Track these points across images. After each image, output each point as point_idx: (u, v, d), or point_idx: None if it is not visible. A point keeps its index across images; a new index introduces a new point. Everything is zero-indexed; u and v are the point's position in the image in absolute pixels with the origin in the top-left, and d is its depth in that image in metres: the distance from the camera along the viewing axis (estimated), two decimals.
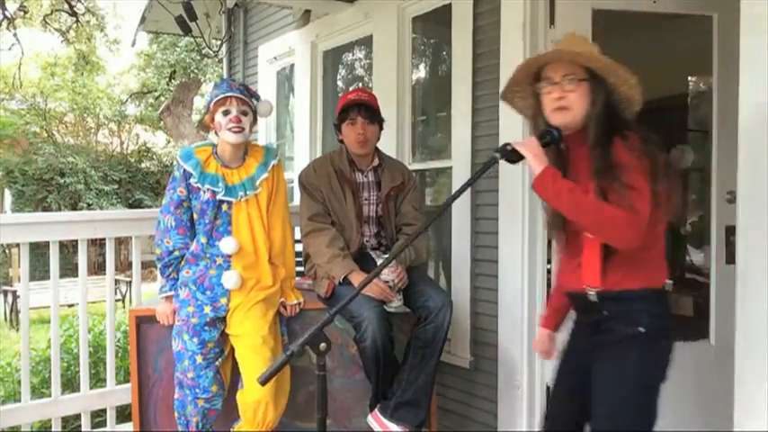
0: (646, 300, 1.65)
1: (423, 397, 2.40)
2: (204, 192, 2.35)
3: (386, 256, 2.44)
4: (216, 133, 2.40)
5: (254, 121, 2.44)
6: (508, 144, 1.70)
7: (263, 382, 1.50)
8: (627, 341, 1.63)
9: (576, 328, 1.87)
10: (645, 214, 1.54)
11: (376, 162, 2.66)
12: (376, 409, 2.43)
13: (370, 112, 2.56)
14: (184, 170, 2.36)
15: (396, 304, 2.40)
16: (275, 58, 4.78)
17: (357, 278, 2.36)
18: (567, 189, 1.61)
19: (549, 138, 1.70)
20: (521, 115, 1.90)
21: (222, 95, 2.33)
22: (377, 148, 2.68)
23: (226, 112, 2.33)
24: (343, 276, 2.39)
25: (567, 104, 1.66)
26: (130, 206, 12.34)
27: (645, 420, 1.66)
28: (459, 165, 3.01)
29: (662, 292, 1.68)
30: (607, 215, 1.56)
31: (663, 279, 1.69)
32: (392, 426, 2.37)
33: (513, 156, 1.69)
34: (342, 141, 2.63)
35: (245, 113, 2.36)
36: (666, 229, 1.70)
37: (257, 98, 2.47)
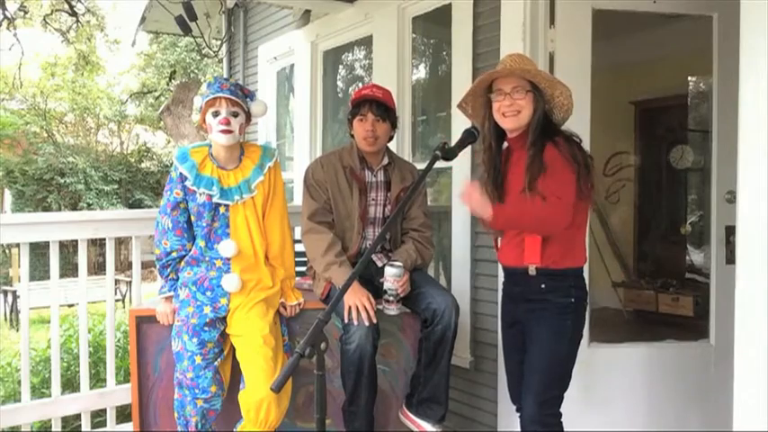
0: (574, 277, 2.08)
1: (440, 393, 2.44)
2: (200, 194, 2.34)
3: (388, 260, 2.42)
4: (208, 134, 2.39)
5: (248, 122, 2.41)
6: (446, 143, 2.01)
7: (277, 389, 1.49)
8: (563, 309, 2.05)
9: (506, 301, 2.24)
10: (568, 200, 1.92)
11: (386, 161, 2.58)
12: (404, 406, 2.50)
13: (381, 108, 2.49)
14: (180, 172, 2.35)
15: (394, 312, 2.39)
16: (275, 58, 4.78)
17: (354, 288, 2.28)
18: (509, 213, 2.02)
19: (472, 137, 2.11)
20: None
21: (212, 96, 2.30)
22: (387, 147, 2.61)
23: (215, 114, 2.30)
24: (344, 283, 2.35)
25: (519, 109, 2.04)
26: (130, 206, 12.33)
27: (571, 367, 2.10)
28: (460, 165, 3.00)
29: (582, 269, 2.12)
30: (542, 215, 1.95)
31: (584, 260, 2.13)
32: (425, 424, 2.42)
33: (450, 153, 2.02)
34: (353, 136, 2.56)
35: (235, 115, 2.32)
36: (587, 217, 2.14)
37: (251, 98, 2.43)
